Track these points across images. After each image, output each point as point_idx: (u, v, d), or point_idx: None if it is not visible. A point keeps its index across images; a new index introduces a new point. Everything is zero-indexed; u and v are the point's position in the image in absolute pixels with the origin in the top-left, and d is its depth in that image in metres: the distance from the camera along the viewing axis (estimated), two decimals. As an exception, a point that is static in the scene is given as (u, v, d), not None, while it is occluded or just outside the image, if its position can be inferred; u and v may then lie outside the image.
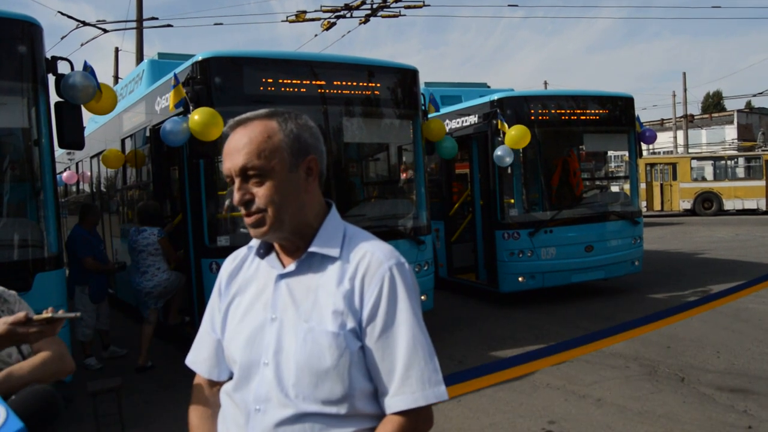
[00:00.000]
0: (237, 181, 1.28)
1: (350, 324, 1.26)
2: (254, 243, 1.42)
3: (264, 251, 1.39)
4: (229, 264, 1.47)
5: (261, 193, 1.26)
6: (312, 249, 1.31)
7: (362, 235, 1.36)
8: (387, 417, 1.27)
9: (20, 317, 1.72)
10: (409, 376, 1.24)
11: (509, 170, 7.87)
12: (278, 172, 1.27)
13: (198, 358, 1.48)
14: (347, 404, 1.25)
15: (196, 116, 4.87)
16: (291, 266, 1.33)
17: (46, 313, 1.72)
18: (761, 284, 8.16)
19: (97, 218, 6.56)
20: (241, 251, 1.47)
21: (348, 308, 1.26)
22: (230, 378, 1.39)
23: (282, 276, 1.33)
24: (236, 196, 1.28)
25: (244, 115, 1.32)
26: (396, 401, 1.25)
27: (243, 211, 1.29)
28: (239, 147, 1.27)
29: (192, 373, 1.51)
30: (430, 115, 6.82)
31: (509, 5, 14.13)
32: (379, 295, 1.26)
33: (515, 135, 7.32)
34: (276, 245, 1.38)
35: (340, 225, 1.37)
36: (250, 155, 1.26)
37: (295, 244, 1.34)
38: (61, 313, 1.73)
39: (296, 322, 1.28)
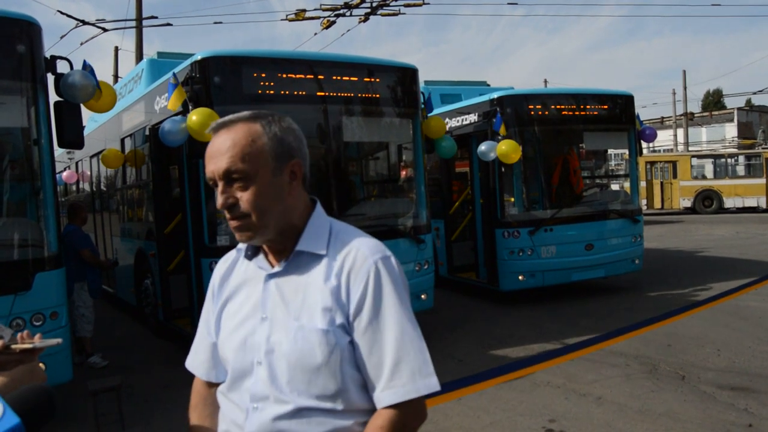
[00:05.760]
0: (220, 185, 1.27)
1: (339, 320, 1.26)
2: (242, 245, 1.42)
3: (252, 253, 1.39)
4: (221, 267, 1.48)
5: (245, 197, 1.25)
6: (299, 248, 1.31)
7: (348, 231, 1.36)
8: (378, 411, 1.26)
9: None
10: (399, 369, 1.23)
11: (509, 169, 7.87)
12: (262, 176, 1.26)
13: (196, 361, 1.50)
14: (342, 399, 1.26)
15: (194, 117, 4.86)
16: (279, 266, 1.33)
17: (23, 340, 1.55)
18: (762, 282, 8.17)
19: (87, 216, 6.76)
20: (232, 254, 1.48)
21: (336, 304, 1.26)
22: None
23: (271, 276, 1.34)
24: (219, 200, 1.27)
25: (227, 117, 1.31)
26: (386, 395, 1.24)
27: (227, 215, 1.28)
28: (223, 150, 1.26)
29: (191, 373, 1.52)
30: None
31: (509, 3, 14.10)
32: (365, 289, 1.26)
33: (506, 149, 7.31)
34: (264, 246, 1.37)
35: (326, 222, 1.36)
36: (234, 159, 1.24)
37: (282, 244, 1.34)
38: (38, 339, 1.56)
39: (286, 321, 1.28)
